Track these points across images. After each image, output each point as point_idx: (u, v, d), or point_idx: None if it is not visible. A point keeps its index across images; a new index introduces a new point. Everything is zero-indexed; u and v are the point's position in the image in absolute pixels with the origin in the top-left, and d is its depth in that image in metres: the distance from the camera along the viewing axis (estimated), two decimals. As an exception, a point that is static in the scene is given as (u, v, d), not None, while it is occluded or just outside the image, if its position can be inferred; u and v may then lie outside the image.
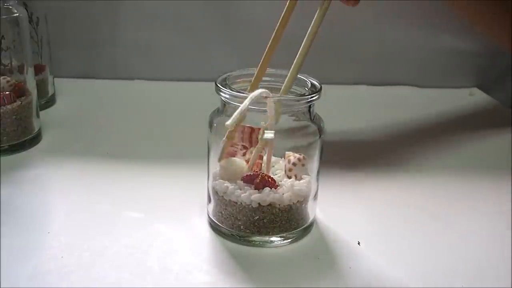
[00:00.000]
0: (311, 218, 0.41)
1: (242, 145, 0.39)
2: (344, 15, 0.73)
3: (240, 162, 0.39)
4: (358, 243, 0.40)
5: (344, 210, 0.45)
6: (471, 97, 0.74)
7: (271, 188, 0.38)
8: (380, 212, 0.44)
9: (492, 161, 0.54)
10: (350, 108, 0.68)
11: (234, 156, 0.40)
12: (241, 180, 0.38)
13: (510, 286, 0.36)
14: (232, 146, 0.39)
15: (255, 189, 0.38)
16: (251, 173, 0.38)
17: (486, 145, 0.58)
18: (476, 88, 0.76)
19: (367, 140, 0.59)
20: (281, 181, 0.39)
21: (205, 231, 0.41)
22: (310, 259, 0.38)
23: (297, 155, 0.39)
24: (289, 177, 0.39)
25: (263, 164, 0.39)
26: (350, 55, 0.75)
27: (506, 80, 0.77)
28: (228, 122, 0.35)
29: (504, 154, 0.55)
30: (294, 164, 0.39)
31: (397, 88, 0.75)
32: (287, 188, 0.38)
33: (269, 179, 0.38)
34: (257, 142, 0.38)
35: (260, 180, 0.38)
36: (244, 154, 0.40)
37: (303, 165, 0.39)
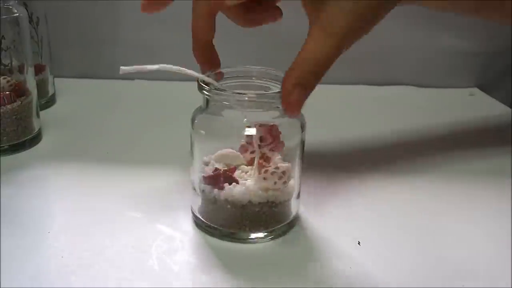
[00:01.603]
0: (294, 213, 0.41)
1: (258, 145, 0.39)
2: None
3: (233, 155, 0.40)
4: (358, 243, 0.40)
5: (341, 209, 0.45)
6: (471, 97, 0.74)
7: (231, 184, 0.38)
8: (380, 212, 0.44)
9: (492, 161, 0.54)
10: (350, 108, 0.68)
11: (245, 152, 0.40)
12: (202, 181, 0.39)
13: (510, 286, 0.36)
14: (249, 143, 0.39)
15: (218, 188, 0.38)
16: (213, 173, 0.39)
17: (486, 145, 0.58)
18: (476, 88, 0.77)
19: (367, 140, 0.59)
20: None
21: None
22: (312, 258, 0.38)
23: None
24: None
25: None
26: (349, 55, 0.75)
27: (506, 80, 0.77)
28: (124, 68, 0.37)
29: (504, 154, 0.55)
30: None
31: (397, 88, 0.75)
32: (252, 188, 0.39)
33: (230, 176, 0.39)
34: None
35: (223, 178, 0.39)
36: (252, 152, 0.39)
37: (274, 175, 0.39)
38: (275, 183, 0.38)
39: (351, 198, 0.46)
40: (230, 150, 0.40)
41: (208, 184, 0.39)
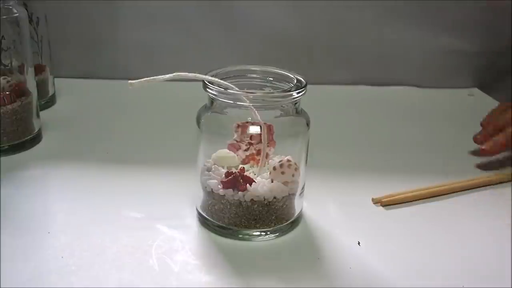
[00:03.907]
0: (297, 211, 0.41)
1: (249, 142, 0.40)
2: (344, 15, 0.73)
3: (230, 157, 0.40)
4: (358, 243, 0.40)
5: (337, 208, 0.45)
6: (471, 97, 0.74)
7: (250, 185, 0.38)
8: (379, 212, 0.44)
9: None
10: (351, 108, 0.68)
11: (237, 150, 0.40)
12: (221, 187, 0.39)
13: (510, 286, 0.36)
14: (240, 141, 0.40)
15: (223, 188, 0.39)
16: (231, 177, 0.39)
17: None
18: (476, 88, 0.77)
19: (367, 139, 0.59)
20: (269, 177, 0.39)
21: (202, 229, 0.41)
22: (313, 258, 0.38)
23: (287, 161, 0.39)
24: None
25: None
26: (350, 55, 0.75)
27: (506, 80, 0.77)
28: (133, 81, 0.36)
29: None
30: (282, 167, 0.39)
31: (397, 88, 0.75)
32: (275, 184, 0.39)
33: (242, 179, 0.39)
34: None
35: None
36: (246, 150, 0.40)
37: (291, 168, 0.39)
38: (292, 175, 0.39)
39: (351, 197, 0.46)
40: (226, 151, 0.40)
41: (228, 188, 0.39)
